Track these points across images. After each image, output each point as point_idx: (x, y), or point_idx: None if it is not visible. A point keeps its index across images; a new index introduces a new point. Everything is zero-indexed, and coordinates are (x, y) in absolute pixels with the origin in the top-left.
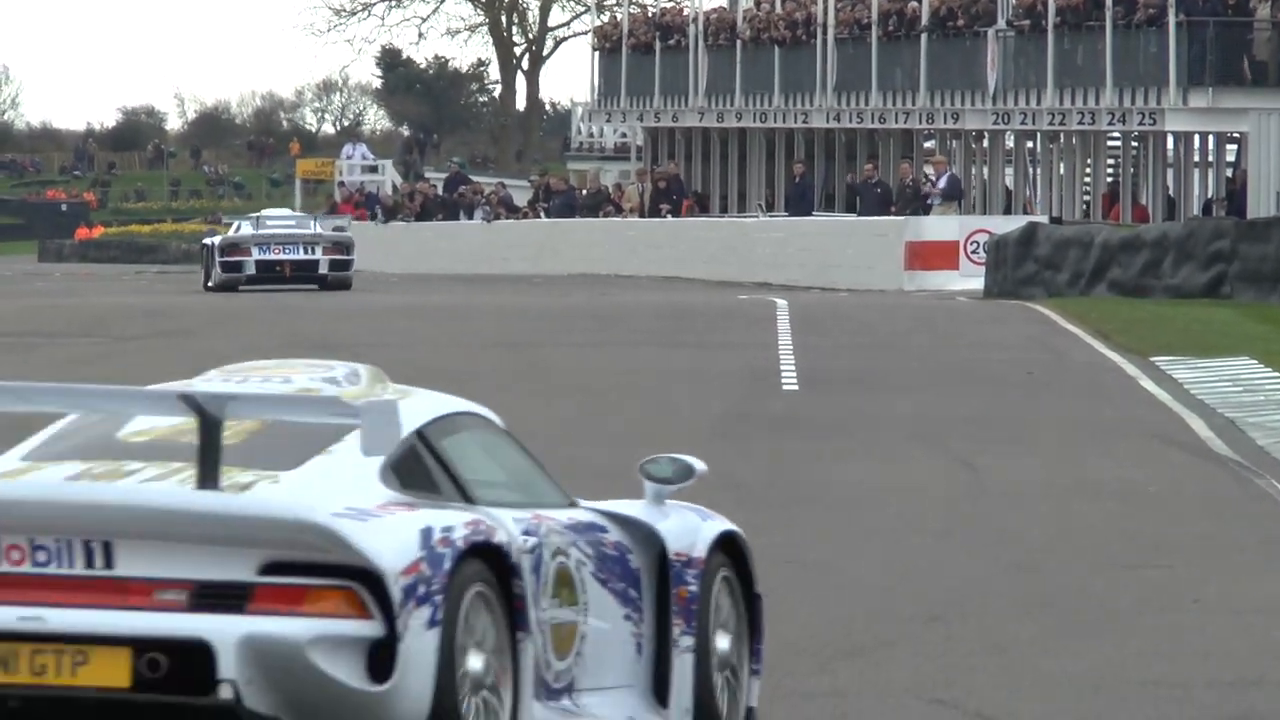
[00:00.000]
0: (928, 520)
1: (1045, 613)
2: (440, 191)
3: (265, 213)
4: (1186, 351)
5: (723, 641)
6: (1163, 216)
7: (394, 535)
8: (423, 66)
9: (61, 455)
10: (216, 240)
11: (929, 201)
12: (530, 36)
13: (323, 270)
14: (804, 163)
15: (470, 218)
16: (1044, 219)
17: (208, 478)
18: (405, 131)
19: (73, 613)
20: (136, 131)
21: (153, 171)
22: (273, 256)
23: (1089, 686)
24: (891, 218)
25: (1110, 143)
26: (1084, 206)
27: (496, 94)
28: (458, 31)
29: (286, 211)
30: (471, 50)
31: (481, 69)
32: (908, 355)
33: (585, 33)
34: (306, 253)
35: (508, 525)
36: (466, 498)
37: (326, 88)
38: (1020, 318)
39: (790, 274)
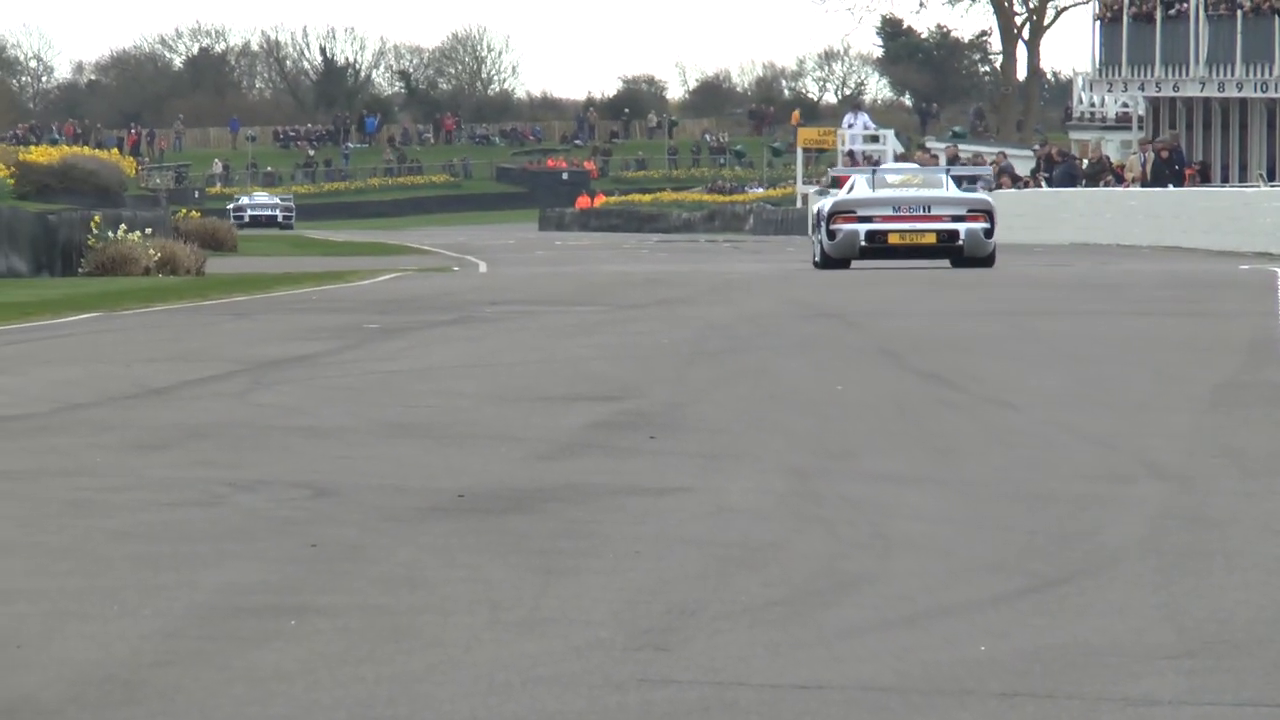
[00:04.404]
0: None
1: None
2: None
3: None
4: None
5: None
6: None
7: (991, 199)
8: (924, 36)
9: (877, 189)
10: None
11: None
12: (1031, 6)
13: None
14: None
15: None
16: None
17: (955, 188)
18: (907, 101)
19: (918, 224)
20: (636, 100)
21: (652, 140)
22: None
23: None
24: None
25: None
26: None
27: (997, 63)
28: (958, 0)
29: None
30: (972, 20)
31: (983, 38)
32: None
33: (1086, 1)
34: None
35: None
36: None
37: (828, 57)
38: None
39: None
